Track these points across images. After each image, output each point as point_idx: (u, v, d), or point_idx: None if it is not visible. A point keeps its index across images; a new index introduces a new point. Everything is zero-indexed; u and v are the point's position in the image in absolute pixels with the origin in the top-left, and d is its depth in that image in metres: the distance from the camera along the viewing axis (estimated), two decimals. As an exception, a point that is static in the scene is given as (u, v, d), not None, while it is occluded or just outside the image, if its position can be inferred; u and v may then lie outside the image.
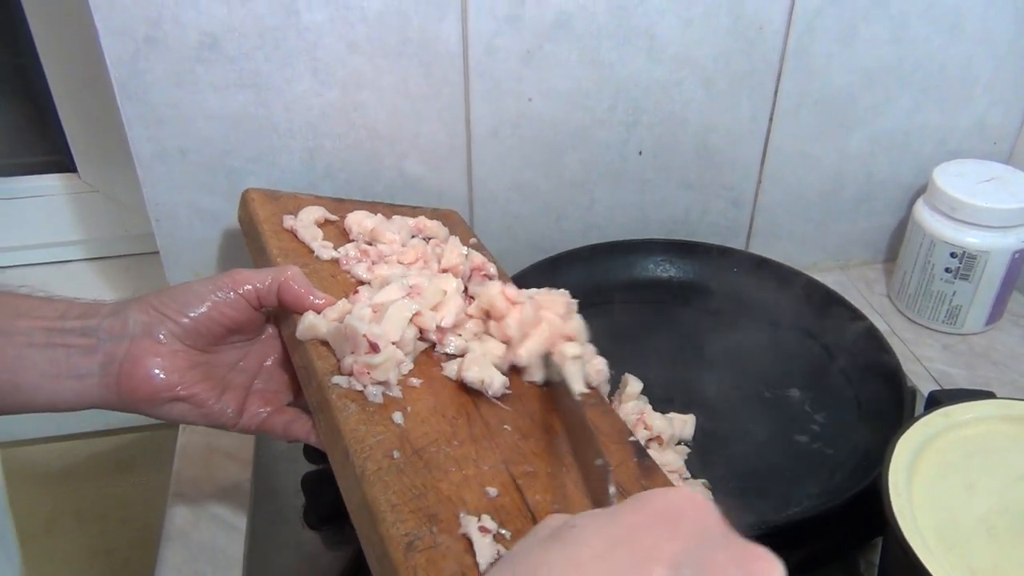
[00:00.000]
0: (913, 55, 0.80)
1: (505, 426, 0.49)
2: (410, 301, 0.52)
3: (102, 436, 0.81)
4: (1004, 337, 0.82)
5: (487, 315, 0.55)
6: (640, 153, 0.81)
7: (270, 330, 0.56)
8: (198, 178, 0.72)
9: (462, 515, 0.41)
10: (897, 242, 0.89)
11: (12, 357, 0.47)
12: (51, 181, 0.90)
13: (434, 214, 0.71)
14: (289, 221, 0.63)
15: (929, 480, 0.50)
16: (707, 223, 0.86)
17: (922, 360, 0.79)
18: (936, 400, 0.58)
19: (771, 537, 0.54)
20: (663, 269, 0.82)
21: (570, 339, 0.55)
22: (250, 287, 0.51)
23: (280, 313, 0.55)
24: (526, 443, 0.48)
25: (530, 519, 0.42)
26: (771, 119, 0.81)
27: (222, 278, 0.51)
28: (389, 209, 0.70)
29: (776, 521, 0.57)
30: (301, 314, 0.52)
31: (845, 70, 0.79)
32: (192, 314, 0.50)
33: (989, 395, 0.58)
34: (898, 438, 0.52)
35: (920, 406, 0.69)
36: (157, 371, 0.49)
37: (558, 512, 0.35)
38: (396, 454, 0.44)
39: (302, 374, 0.52)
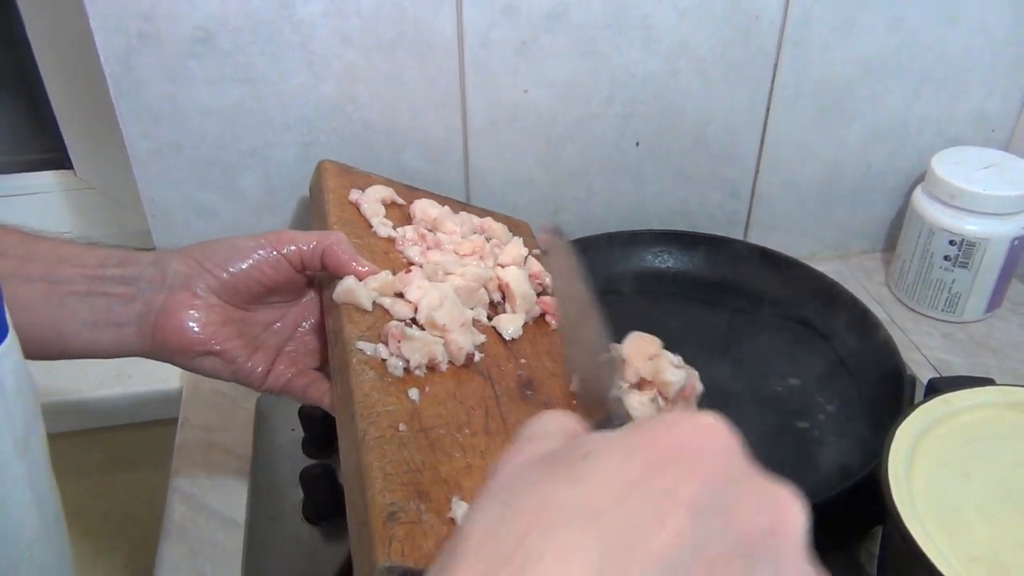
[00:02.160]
0: (911, 44, 0.79)
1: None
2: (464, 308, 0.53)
3: (101, 433, 0.81)
4: (1003, 325, 0.82)
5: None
6: (637, 144, 0.80)
7: (311, 295, 0.56)
8: (193, 173, 0.72)
9: (455, 499, 0.40)
10: (896, 231, 0.89)
11: (54, 304, 0.48)
12: (47, 178, 0.90)
13: (505, 219, 0.71)
14: (355, 195, 0.63)
15: (929, 467, 0.50)
16: (705, 214, 0.86)
17: (921, 348, 0.79)
18: (935, 387, 0.57)
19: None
20: (661, 260, 0.82)
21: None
22: (294, 248, 0.51)
23: (325, 278, 0.54)
24: None
25: None
26: (768, 109, 0.81)
27: (267, 236, 0.51)
28: (459, 206, 0.69)
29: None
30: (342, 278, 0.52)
31: (843, 60, 0.79)
32: (232, 269, 0.50)
33: (989, 382, 0.58)
34: (898, 426, 0.52)
35: (919, 395, 0.69)
36: (192, 324, 0.49)
37: None
38: (402, 427, 0.43)
39: (331, 337, 0.52)
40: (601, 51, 0.74)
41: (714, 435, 0.24)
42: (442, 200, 0.68)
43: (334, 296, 0.51)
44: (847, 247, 0.92)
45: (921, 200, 0.80)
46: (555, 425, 0.26)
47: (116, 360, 0.81)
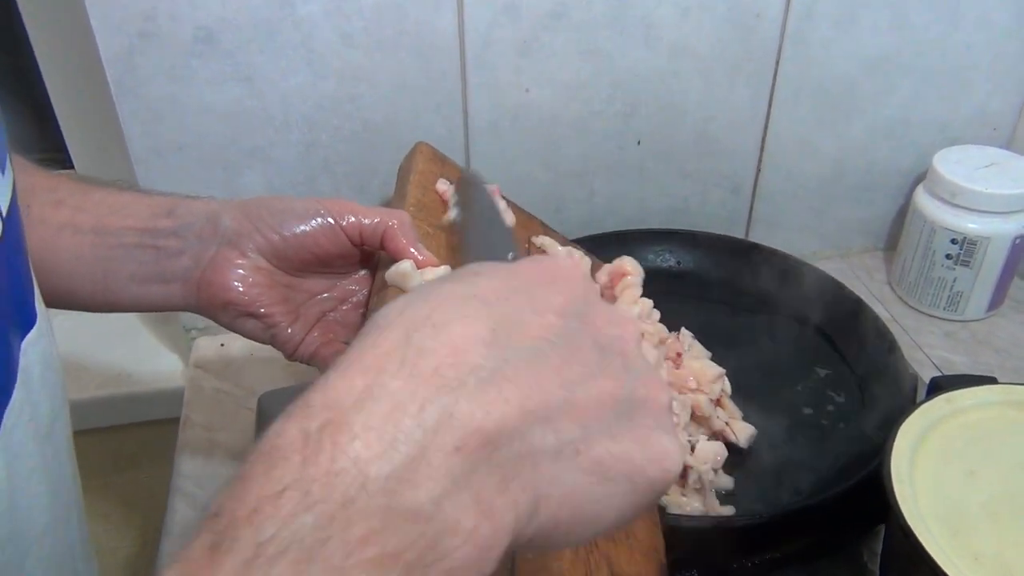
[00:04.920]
0: (913, 42, 0.79)
1: None
2: None
3: (103, 433, 0.81)
4: (1005, 323, 0.82)
5: None
6: (639, 143, 0.80)
7: (364, 272, 0.54)
8: (195, 173, 0.72)
9: None
10: (897, 229, 0.89)
11: (103, 257, 0.47)
12: (48, 178, 0.90)
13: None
14: (443, 185, 0.61)
15: (932, 466, 0.50)
16: (707, 212, 0.86)
17: (923, 347, 0.79)
18: (938, 386, 0.57)
19: (773, 525, 0.55)
20: (663, 259, 0.82)
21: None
22: (354, 219, 0.49)
23: (384, 258, 0.51)
24: None
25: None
26: (770, 107, 0.81)
27: (329, 202, 0.49)
28: (540, 227, 0.69)
29: (778, 509, 0.57)
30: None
31: (844, 57, 0.79)
32: (285, 233, 0.48)
33: (991, 380, 0.58)
34: (900, 424, 0.52)
35: (921, 393, 0.69)
36: (237, 283, 0.48)
37: None
38: None
39: (369, 316, 0.50)
40: (602, 50, 0.74)
41: (576, 268, 0.31)
42: (531, 218, 0.67)
43: (386, 275, 0.49)
44: (849, 245, 0.92)
45: (923, 198, 0.80)
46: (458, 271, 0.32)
47: (117, 360, 0.82)
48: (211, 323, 0.81)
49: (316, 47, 0.69)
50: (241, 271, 0.48)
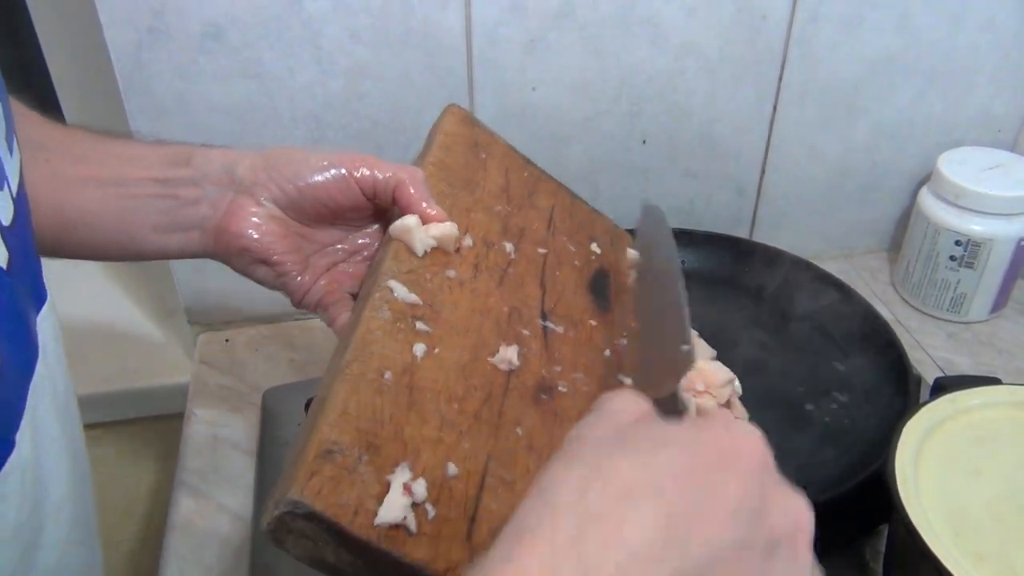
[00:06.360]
0: (917, 44, 0.79)
1: (518, 429, 0.44)
2: None
3: (107, 428, 0.81)
4: (1009, 325, 0.82)
5: None
6: (644, 143, 0.80)
7: (374, 227, 0.54)
8: (202, 169, 0.72)
9: (402, 465, 0.37)
10: (901, 231, 0.89)
11: (125, 208, 0.48)
12: (54, 174, 0.90)
13: (612, 231, 0.68)
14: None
15: (936, 466, 0.50)
16: (711, 212, 0.86)
17: (927, 348, 0.79)
18: (942, 386, 0.58)
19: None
20: (667, 259, 0.82)
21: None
22: (368, 173, 0.49)
23: (395, 213, 0.51)
24: (527, 455, 0.43)
25: (465, 519, 0.38)
26: (775, 108, 0.81)
27: (343, 155, 0.50)
28: (568, 196, 0.67)
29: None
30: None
31: (849, 59, 0.79)
32: (300, 183, 0.49)
33: (995, 381, 0.58)
34: (904, 424, 0.52)
35: (925, 394, 0.69)
36: (252, 231, 0.49)
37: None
38: (388, 375, 0.40)
39: (372, 267, 0.50)
40: (609, 49, 0.74)
41: (756, 446, 0.30)
42: (558, 187, 0.66)
43: (390, 229, 0.49)
44: (853, 246, 0.92)
45: (927, 200, 0.80)
46: (628, 404, 0.32)
47: (123, 355, 0.82)
48: (216, 319, 0.82)
49: (324, 44, 0.69)
50: (256, 219, 0.49)
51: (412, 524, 0.35)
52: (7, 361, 0.34)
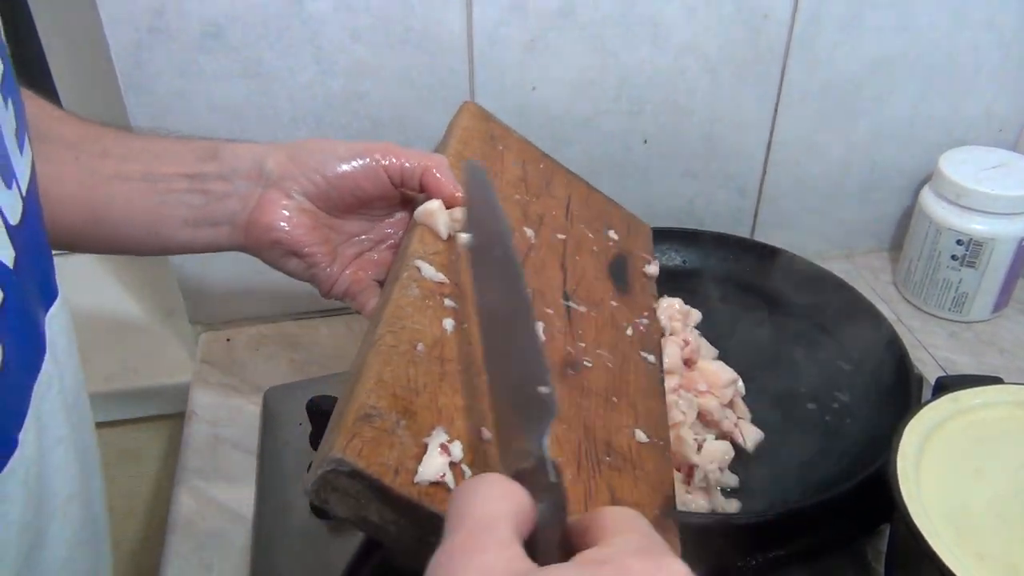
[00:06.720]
0: (919, 43, 0.79)
1: None
2: None
3: (108, 427, 0.81)
4: (1011, 325, 0.82)
5: None
6: (645, 142, 0.80)
7: (399, 215, 0.55)
8: (203, 169, 0.72)
9: (438, 429, 0.38)
10: (903, 230, 0.89)
11: (155, 203, 0.49)
12: (55, 173, 0.90)
13: (628, 219, 0.69)
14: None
15: (938, 465, 0.50)
16: (712, 212, 0.86)
17: (928, 348, 0.79)
18: (944, 386, 0.58)
19: (778, 524, 0.55)
20: (668, 258, 0.82)
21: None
22: (395, 160, 0.50)
23: (420, 200, 0.53)
24: (556, 425, 0.44)
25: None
26: (776, 108, 0.81)
27: (369, 144, 0.51)
28: (584, 186, 0.68)
29: (783, 508, 0.57)
30: None
31: (851, 58, 0.79)
32: (328, 174, 0.50)
33: (997, 381, 0.58)
34: (906, 423, 0.52)
35: (926, 394, 0.69)
36: (283, 224, 0.50)
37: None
38: (420, 347, 0.41)
39: (399, 252, 0.51)
40: (609, 49, 0.74)
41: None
42: (574, 178, 0.67)
43: (415, 214, 0.51)
44: (854, 246, 0.92)
45: (928, 199, 0.80)
46: (500, 507, 0.27)
47: (125, 355, 0.82)
48: (217, 319, 0.82)
49: (324, 44, 0.69)
50: (287, 212, 0.50)
51: (451, 481, 0.36)
52: (12, 359, 0.34)
